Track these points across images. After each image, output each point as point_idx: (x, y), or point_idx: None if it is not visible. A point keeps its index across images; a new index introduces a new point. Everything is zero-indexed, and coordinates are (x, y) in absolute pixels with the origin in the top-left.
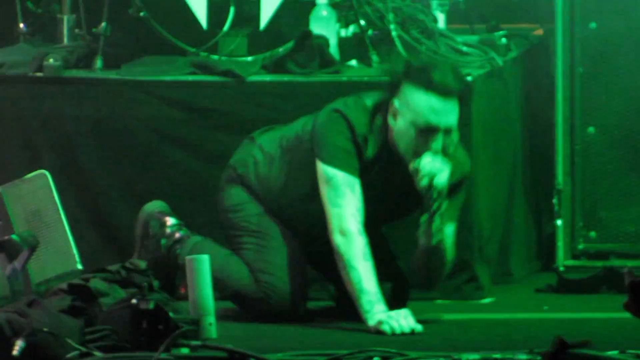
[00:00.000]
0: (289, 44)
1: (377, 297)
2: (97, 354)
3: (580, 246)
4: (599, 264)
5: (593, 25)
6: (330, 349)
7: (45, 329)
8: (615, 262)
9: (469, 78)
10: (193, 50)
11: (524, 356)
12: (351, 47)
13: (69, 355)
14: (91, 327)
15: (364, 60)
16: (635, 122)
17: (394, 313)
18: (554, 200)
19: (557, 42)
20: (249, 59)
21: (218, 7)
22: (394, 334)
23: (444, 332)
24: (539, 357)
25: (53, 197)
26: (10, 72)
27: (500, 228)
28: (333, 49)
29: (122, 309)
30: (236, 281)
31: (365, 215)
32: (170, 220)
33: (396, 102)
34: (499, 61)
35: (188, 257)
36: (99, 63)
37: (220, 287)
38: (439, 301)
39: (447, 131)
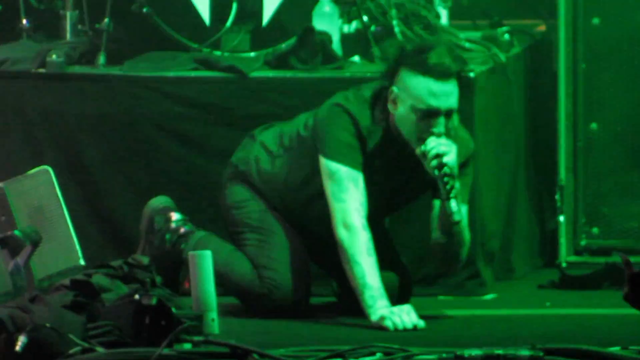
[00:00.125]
0: (292, 40)
1: (380, 292)
2: (100, 349)
3: (583, 242)
4: (601, 260)
5: (596, 21)
6: (332, 345)
7: (47, 325)
8: (618, 258)
9: (471, 74)
10: (196, 46)
11: (526, 352)
12: (354, 43)
13: (71, 351)
14: (93, 323)
15: (367, 56)
16: (638, 118)
17: (396, 309)
18: (557, 197)
19: (560, 38)
20: (252, 54)
21: (221, 3)
22: (396, 329)
23: (446, 328)
24: (541, 353)
25: (56, 192)
26: (13, 68)
27: (503, 224)
28: (336, 45)
29: (125, 304)
30: (239, 277)
31: (370, 206)
32: (175, 216)
33: (395, 89)
34: (502, 57)
35: (191, 253)
36: (101, 59)
37: (224, 283)
38: (441, 297)
39: (449, 113)
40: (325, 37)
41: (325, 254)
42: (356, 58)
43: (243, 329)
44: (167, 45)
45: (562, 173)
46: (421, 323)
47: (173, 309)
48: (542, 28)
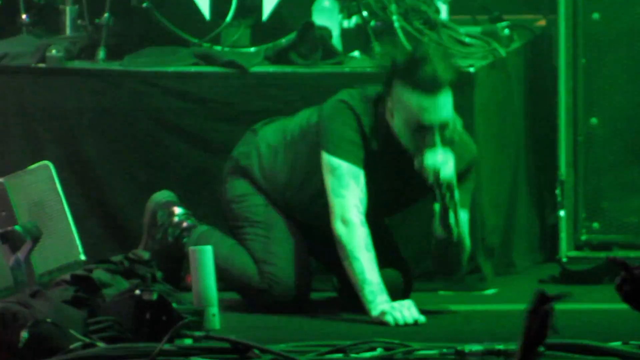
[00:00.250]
0: (292, 35)
1: (380, 287)
2: (100, 344)
3: (583, 237)
4: (602, 255)
5: (596, 16)
6: (333, 340)
7: (48, 320)
8: (619, 253)
9: (471, 69)
10: (196, 41)
11: None
12: (354, 38)
13: (72, 346)
14: (94, 318)
15: (367, 51)
16: (638, 113)
17: (397, 304)
18: (557, 192)
19: (560, 33)
20: (252, 49)
21: None
22: (397, 324)
23: (447, 323)
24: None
25: (56, 188)
26: (12, 63)
27: (503, 219)
28: (336, 40)
29: (126, 299)
30: (240, 271)
31: (370, 205)
32: (177, 210)
33: (389, 101)
34: (502, 52)
35: (191, 248)
36: (101, 54)
37: (225, 278)
38: (441, 292)
39: (443, 126)
40: (325, 32)
41: (326, 249)
42: (356, 53)
43: (244, 324)
44: (167, 40)
45: (563, 168)
46: (422, 318)
47: (174, 304)
48: (542, 23)
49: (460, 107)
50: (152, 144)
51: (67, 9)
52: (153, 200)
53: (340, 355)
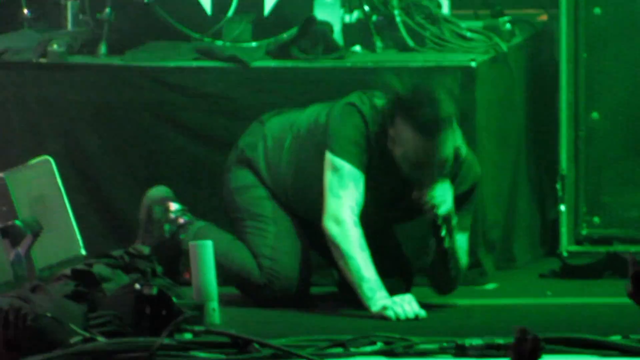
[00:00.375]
0: (293, 30)
1: (378, 284)
2: (101, 339)
3: (584, 232)
4: (602, 249)
5: (597, 10)
6: (333, 335)
7: (48, 314)
8: (619, 248)
9: (473, 64)
10: (197, 36)
11: None
12: (355, 32)
13: (72, 341)
14: (94, 313)
15: (368, 46)
16: (639, 107)
17: (397, 298)
18: (558, 186)
19: (561, 27)
20: (254, 44)
21: None
22: (398, 319)
23: (447, 318)
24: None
25: (56, 182)
26: (14, 58)
27: (504, 214)
28: (337, 35)
29: (126, 294)
30: (239, 267)
31: (372, 206)
32: (173, 206)
33: (391, 132)
34: (503, 47)
35: (191, 243)
36: (103, 49)
37: (223, 273)
38: None
39: (441, 163)
40: (327, 27)
41: (327, 243)
42: (357, 48)
43: (244, 318)
44: (168, 35)
45: (563, 162)
46: (422, 312)
47: (174, 299)
48: (544, 18)
49: (462, 102)
50: (153, 139)
51: (69, 3)
52: (149, 196)
53: (340, 349)
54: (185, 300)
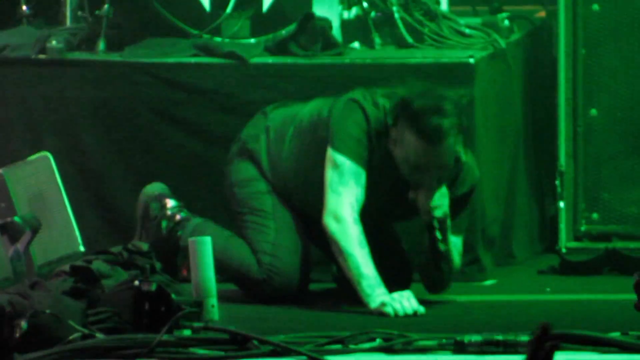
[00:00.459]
0: (292, 26)
1: (377, 280)
2: (99, 335)
3: (583, 228)
4: (601, 245)
5: (595, 7)
6: (332, 331)
7: (47, 311)
8: (618, 244)
9: (471, 60)
10: (196, 32)
11: (526, 338)
12: (354, 29)
13: (71, 337)
14: (93, 309)
15: (367, 42)
16: (638, 103)
17: (396, 295)
18: (557, 182)
19: (560, 23)
20: (252, 41)
21: None
22: (396, 315)
23: (446, 314)
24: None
25: (55, 179)
26: (12, 54)
27: (503, 210)
28: (336, 31)
29: (125, 290)
30: (239, 263)
31: (371, 204)
32: (170, 202)
33: (393, 133)
34: (502, 43)
35: (190, 239)
36: (101, 45)
37: (222, 269)
38: None
39: (441, 169)
40: (325, 24)
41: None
42: (356, 44)
43: (243, 315)
44: (167, 32)
45: (562, 159)
46: (421, 309)
47: (173, 295)
48: (542, 14)
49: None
50: (151, 135)
51: (67, 0)
52: (145, 193)
53: (339, 346)
54: (184, 297)
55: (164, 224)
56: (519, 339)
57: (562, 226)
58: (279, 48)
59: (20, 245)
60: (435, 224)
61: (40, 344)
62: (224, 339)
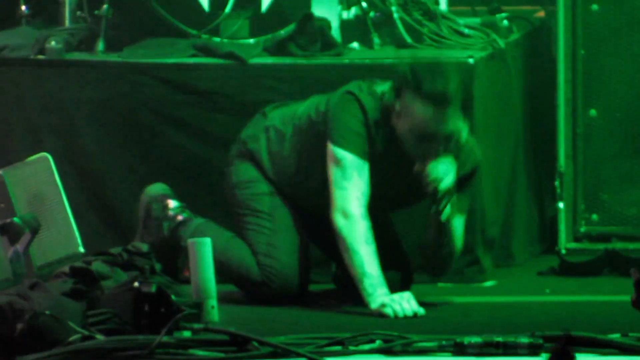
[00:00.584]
0: (291, 27)
1: (380, 280)
2: (99, 336)
3: (582, 229)
4: (600, 246)
5: (595, 7)
6: (332, 332)
7: (47, 312)
8: (617, 245)
9: (470, 60)
10: (195, 32)
11: (526, 339)
12: (353, 29)
13: (71, 338)
14: (93, 310)
15: (366, 42)
16: (637, 104)
17: (396, 296)
18: (556, 183)
19: (559, 24)
20: (251, 41)
21: None
22: (396, 317)
23: (446, 315)
24: (540, 340)
25: (55, 180)
26: (12, 54)
27: (503, 211)
28: (335, 32)
29: (124, 292)
30: (238, 264)
31: (374, 199)
32: (172, 203)
33: (398, 106)
34: (501, 43)
35: (190, 240)
36: (100, 46)
37: (222, 270)
38: (441, 284)
39: (447, 137)
40: (324, 24)
41: (329, 237)
42: (355, 44)
43: (243, 316)
44: (166, 32)
45: (562, 159)
46: (421, 310)
47: (172, 297)
48: (541, 14)
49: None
50: (151, 136)
51: (66, 0)
52: (147, 193)
53: (339, 347)
54: (184, 298)
55: (165, 224)
56: (518, 341)
57: (562, 227)
58: (278, 48)
59: (19, 246)
60: (440, 195)
61: (40, 346)
62: (224, 340)
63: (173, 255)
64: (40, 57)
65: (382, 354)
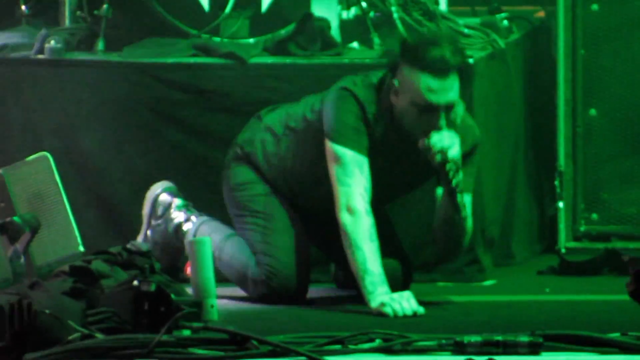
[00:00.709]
0: (291, 26)
1: (381, 278)
2: (99, 335)
3: (582, 228)
4: (600, 246)
5: (595, 7)
6: (331, 331)
7: (47, 311)
8: (617, 244)
9: (470, 60)
10: (195, 32)
11: (525, 338)
12: (353, 29)
13: (70, 337)
14: (93, 309)
15: (366, 42)
16: (637, 104)
17: (396, 295)
18: (556, 183)
19: (559, 24)
20: (251, 41)
21: None
22: (396, 316)
23: (445, 314)
24: (540, 339)
25: (55, 179)
26: (11, 54)
27: (502, 210)
28: (334, 31)
29: (124, 291)
30: (239, 263)
31: (376, 191)
32: (177, 201)
33: (396, 82)
34: (501, 43)
35: (190, 240)
36: (100, 45)
37: (224, 268)
38: (440, 283)
39: (449, 107)
40: (324, 24)
41: (328, 237)
42: (355, 44)
43: (242, 315)
44: (166, 32)
45: (561, 159)
46: (421, 309)
47: (172, 295)
48: (541, 14)
49: (463, 100)
50: (151, 135)
51: (66, 0)
52: (152, 190)
53: (338, 346)
54: (184, 297)
55: (170, 222)
56: (518, 340)
57: (562, 226)
58: (278, 48)
59: (19, 246)
60: (450, 164)
61: (39, 345)
62: (224, 339)
63: (177, 252)
64: (40, 56)
65: (381, 353)
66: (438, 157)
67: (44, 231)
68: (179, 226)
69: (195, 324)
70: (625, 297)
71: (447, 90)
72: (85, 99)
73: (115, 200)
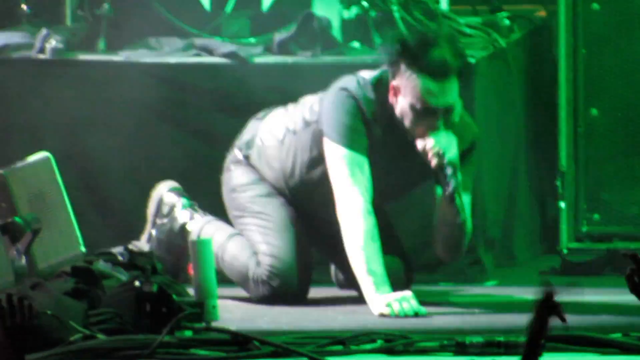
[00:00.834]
0: (292, 26)
1: (382, 279)
2: (101, 336)
3: (584, 229)
4: (602, 246)
5: (596, 6)
6: (333, 332)
7: (48, 312)
8: (619, 245)
9: (471, 60)
10: (196, 31)
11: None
12: (354, 28)
13: (72, 338)
14: (94, 310)
15: (367, 42)
16: (638, 103)
17: (398, 295)
18: (557, 183)
19: (560, 23)
20: (252, 40)
21: None
22: (397, 316)
23: (447, 315)
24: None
25: (56, 179)
26: (13, 54)
27: (504, 211)
28: (336, 31)
29: (126, 291)
30: (241, 263)
31: (377, 191)
32: (182, 201)
33: (395, 82)
34: (502, 43)
35: (191, 239)
36: (101, 45)
37: (226, 269)
38: (442, 284)
39: (447, 110)
40: (326, 23)
41: (328, 239)
42: (356, 44)
43: (244, 315)
44: (167, 31)
45: (563, 159)
46: (422, 310)
47: (174, 296)
48: (542, 13)
49: (461, 98)
50: (152, 135)
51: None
52: (158, 190)
53: (340, 347)
54: (185, 298)
55: (175, 221)
56: (520, 340)
57: (563, 227)
58: (279, 48)
59: (20, 246)
60: (447, 166)
61: (41, 345)
62: (225, 340)
63: (181, 252)
64: (41, 56)
65: (383, 354)
66: (435, 160)
67: (45, 232)
68: (183, 226)
69: (197, 325)
70: (627, 297)
71: (447, 93)
72: (86, 98)
73: (117, 201)
